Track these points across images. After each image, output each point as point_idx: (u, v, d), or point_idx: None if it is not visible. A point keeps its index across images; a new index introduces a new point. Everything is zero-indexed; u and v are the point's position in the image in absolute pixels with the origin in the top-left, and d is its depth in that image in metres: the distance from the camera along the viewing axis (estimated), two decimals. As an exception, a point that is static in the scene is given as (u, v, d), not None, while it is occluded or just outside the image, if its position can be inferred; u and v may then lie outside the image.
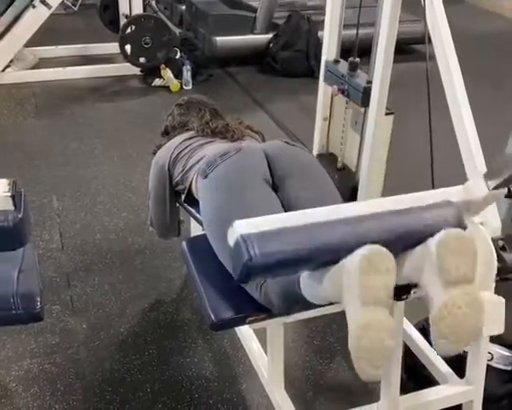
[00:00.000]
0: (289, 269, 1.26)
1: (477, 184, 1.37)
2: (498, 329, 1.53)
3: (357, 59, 2.20)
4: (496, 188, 1.35)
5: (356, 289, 1.15)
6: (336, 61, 2.28)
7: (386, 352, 1.15)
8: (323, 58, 2.32)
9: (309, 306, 1.53)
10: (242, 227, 1.17)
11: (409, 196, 1.31)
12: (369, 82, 2.06)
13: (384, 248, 1.17)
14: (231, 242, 1.19)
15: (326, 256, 1.21)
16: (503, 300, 1.54)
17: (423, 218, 1.26)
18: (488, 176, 1.37)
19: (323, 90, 2.36)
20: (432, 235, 1.21)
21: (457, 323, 1.16)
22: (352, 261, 1.16)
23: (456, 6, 6.08)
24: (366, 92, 2.06)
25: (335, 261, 1.21)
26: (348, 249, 1.16)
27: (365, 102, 2.08)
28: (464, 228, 1.28)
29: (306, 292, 1.41)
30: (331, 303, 1.42)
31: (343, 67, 2.23)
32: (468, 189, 1.38)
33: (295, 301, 1.52)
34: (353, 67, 2.18)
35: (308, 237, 1.19)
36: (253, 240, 1.15)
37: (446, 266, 1.17)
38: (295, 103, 4.56)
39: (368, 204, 1.30)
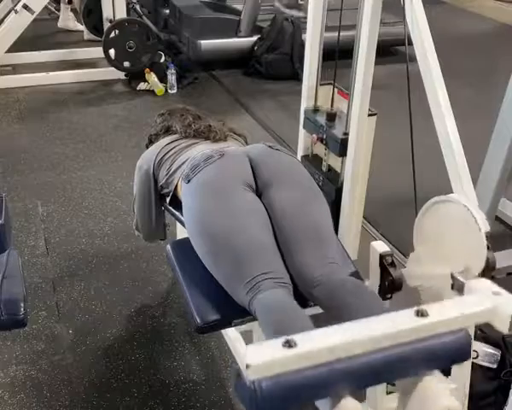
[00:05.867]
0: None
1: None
2: None
3: (335, 110, 2.28)
4: None
5: None
6: (315, 110, 2.36)
7: None
8: (302, 106, 2.38)
9: None
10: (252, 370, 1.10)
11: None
12: (346, 134, 2.17)
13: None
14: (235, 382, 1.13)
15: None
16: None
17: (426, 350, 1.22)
18: None
19: (303, 138, 2.45)
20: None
21: None
22: None
23: (436, 6, 6.14)
24: (343, 143, 2.17)
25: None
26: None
27: (342, 152, 2.19)
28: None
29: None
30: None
31: (321, 116, 2.32)
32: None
33: None
34: (331, 118, 2.27)
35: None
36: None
37: None
38: (280, 106, 4.57)
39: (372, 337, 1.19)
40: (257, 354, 1.07)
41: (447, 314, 1.20)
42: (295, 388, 1.11)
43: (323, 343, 1.11)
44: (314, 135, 2.32)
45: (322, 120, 2.29)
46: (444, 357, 1.25)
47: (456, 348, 1.24)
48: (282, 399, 1.11)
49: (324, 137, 2.26)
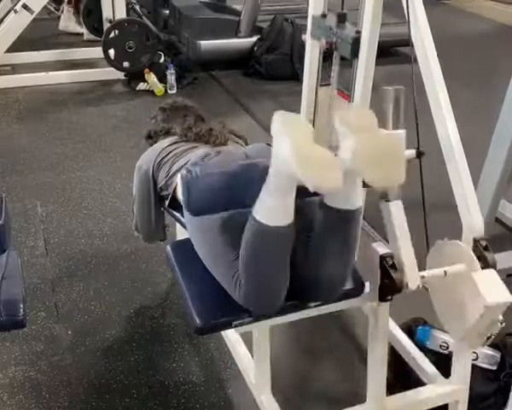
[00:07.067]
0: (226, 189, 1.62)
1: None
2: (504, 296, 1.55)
3: (345, 10, 2.09)
4: None
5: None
6: (323, 16, 2.16)
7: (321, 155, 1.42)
8: (310, 13, 2.18)
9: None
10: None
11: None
12: (358, 32, 1.95)
13: None
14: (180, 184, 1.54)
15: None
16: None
17: None
18: None
19: (311, 47, 2.25)
20: None
21: (376, 148, 1.44)
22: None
23: (436, 7, 6.14)
24: (355, 43, 1.95)
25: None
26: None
27: (354, 53, 1.97)
28: None
29: (258, 210, 1.49)
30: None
31: (331, 19, 2.10)
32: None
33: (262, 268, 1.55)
34: (341, 19, 2.06)
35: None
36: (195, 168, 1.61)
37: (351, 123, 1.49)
38: (280, 106, 4.54)
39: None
40: None
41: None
42: None
43: None
44: (323, 40, 2.12)
45: (331, 22, 2.08)
46: None
47: None
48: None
49: (334, 40, 2.05)
